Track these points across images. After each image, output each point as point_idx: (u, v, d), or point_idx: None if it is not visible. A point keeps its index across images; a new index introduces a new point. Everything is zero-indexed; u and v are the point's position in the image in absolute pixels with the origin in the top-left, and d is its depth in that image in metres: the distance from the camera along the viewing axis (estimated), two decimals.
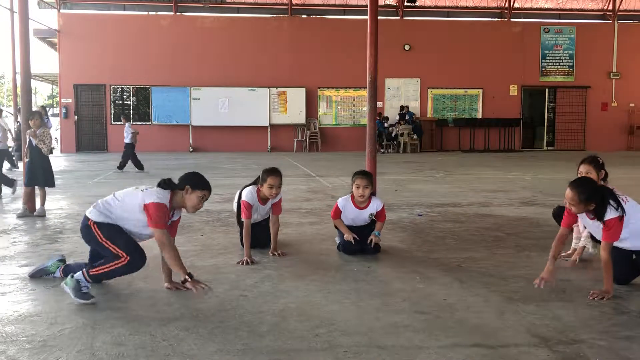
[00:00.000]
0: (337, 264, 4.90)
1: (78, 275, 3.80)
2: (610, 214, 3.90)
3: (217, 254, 5.21)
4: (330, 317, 3.54)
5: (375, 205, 5.18)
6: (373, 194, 5.23)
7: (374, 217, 5.17)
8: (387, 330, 3.31)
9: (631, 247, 4.09)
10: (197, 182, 4.01)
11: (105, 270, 3.84)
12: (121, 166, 13.71)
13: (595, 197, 3.91)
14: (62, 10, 21.16)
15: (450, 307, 3.73)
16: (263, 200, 5.20)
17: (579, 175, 4.74)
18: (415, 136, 21.10)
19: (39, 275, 4.31)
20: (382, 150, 20.37)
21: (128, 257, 3.81)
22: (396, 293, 4.05)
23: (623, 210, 3.92)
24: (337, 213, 5.21)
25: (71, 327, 3.37)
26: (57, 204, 8.29)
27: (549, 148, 23.11)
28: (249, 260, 4.83)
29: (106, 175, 12.74)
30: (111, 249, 3.84)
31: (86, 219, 3.99)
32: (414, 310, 3.65)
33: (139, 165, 13.68)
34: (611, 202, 3.92)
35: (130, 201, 3.94)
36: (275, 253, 5.14)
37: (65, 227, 6.55)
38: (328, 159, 17.86)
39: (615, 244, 4.02)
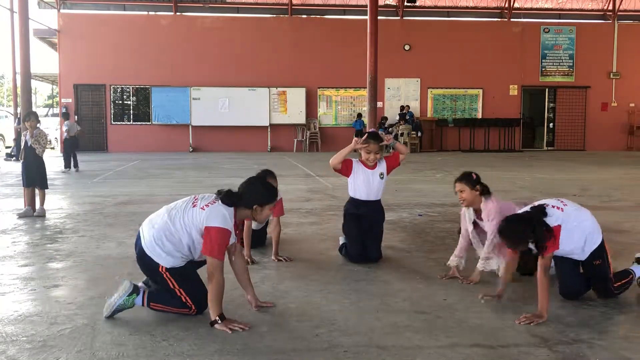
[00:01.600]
0: (337, 264, 4.90)
1: (138, 300, 3.50)
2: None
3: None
4: (330, 317, 3.54)
5: (383, 166, 4.92)
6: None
7: (382, 176, 4.90)
8: (387, 330, 3.31)
9: (580, 257, 3.80)
10: (266, 198, 3.56)
11: (169, 311, 3.52)
12: (75, 165, 13.83)
13: (527, 237, 3.52)
14: (62, 10, 21.16)
15: (450, 307, 3.72)
16: None
17: (457, 195, 4.34)
18: (418, 133, 21.05)
19: (117, 313, 3.52)
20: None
21: (195, 310, 3.51)
22: (396, 293, 4.05)
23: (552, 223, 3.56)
24: (348, 166, 4.90)
25: (71, 327, 3.37)
26: (57, 204, 8.29)
27: (549, 148, 23.10)
28: (249, 260, 4.78)
29: (106, 175, 12.74)
30: (182, 298, 3.50)
31: (155, 263, 3.50)
32: (414, 310, 3.65)
33: (68, 164, 13.80)
34: (542, 230, 3.50)
35: (191, 222, 3.46)
36: (281, 258, 4.95)
37: (65, 227, 6.55)
38: (328, 159, 17.71)
39: (565, 255, 3.79)
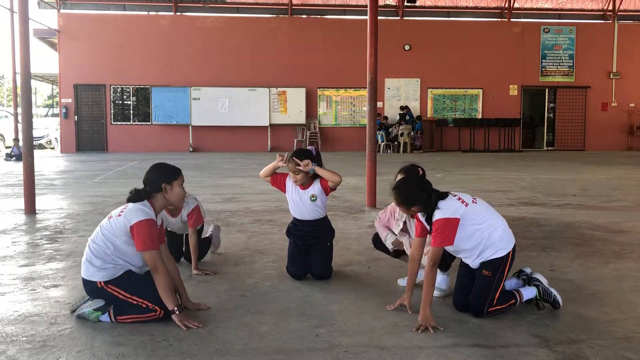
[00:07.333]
0: (336, 264, 4.89)
1: (104, 317, 3.43)
2: (437, 214, 3.45)
3: (216, 255, 5.20)
4: (330, 317, 3.54)
5: (316, 187, 4.41)
6: (317, 177, 4.44)
7: (314, 199, 4.44)
8: (387, 330, 3.31)
9: (473, 262, 3.58)
10: (169, 174, 3.68)
11: (137, 320, 3.40)
12: None
13: (417, 199, 3.52)
14: (62, 10, 21.16)
15: (450, 307, 3.72)
16: (171, 211, 4.55)
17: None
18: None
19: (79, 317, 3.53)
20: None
21: (161, 312, 3.39)
22: (396, 293, 4.04)
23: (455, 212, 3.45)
24: (280, 182, 4.50)
25: (71, 327, 3.37)
26: (57, 204, 8.29)
27: (549, 148, 23.10)
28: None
29: (106, 175, 12.74)
30: (141, 304, 3.40)
31: (90, 282, 3.49)
32: (414, 310, 3.65)
33: None
34: (438, 203, 3.47)
35: (111, 232, 3.46)
36: (200, 272, 4.49)
37: (65, 227, 6.55)
38: (328, 159, 17.73)
39: (468, 262, 3.61)
